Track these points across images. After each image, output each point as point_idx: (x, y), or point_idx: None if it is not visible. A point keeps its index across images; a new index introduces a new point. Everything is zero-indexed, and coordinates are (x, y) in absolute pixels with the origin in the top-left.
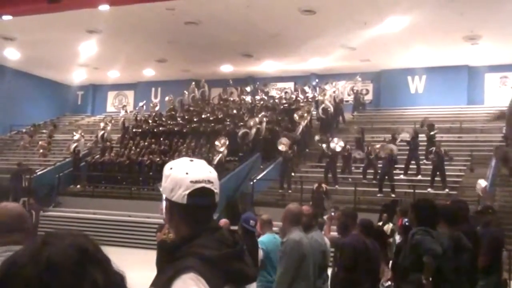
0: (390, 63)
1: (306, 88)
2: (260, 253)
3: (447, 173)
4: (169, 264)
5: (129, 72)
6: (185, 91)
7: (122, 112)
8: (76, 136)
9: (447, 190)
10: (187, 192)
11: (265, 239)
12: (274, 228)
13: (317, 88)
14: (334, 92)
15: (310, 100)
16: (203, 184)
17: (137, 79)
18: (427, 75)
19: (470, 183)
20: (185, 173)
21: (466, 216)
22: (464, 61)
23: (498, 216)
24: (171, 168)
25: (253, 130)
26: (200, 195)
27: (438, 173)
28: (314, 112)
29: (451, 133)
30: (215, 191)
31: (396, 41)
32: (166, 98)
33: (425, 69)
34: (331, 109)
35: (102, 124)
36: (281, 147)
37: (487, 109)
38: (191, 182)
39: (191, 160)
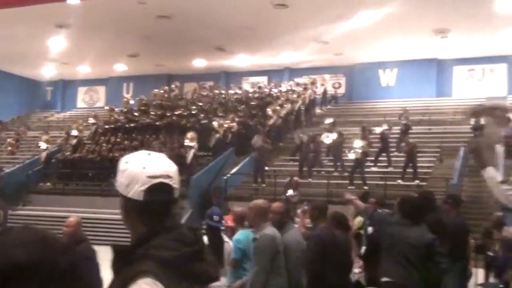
0: (362, 57)
1: (283, 85)
2: (227, 248)
3: (417, 165)
4: (124, 267)
5: (100, 67)
6: (155, 90)
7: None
8: (43, 145)
9: (417, 181)
10: (143, 188)
11: (240, 236)
12: (246, 223)
13: (291, 83)
14: (322, 85)
15: (285, 93)
16: (161, 179)
17: (108, 74)
18: (398, 68)
19: (439, 174)
20: (141, 168)
21: (433, 207)
22: (433, 54)
23: (464, 206)
24: (127, 162)
25: (221, 131)
26: (158, 191)
27: (410, 164)
28: (286, 106)
29: (421, 125)
30: (175, 186)
31: (368, 34)
32: (138, 98)
33: (396, 63)
34: (302, 105)
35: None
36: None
37: (455, 101)
38: (148, 177)
39: (149, 154)
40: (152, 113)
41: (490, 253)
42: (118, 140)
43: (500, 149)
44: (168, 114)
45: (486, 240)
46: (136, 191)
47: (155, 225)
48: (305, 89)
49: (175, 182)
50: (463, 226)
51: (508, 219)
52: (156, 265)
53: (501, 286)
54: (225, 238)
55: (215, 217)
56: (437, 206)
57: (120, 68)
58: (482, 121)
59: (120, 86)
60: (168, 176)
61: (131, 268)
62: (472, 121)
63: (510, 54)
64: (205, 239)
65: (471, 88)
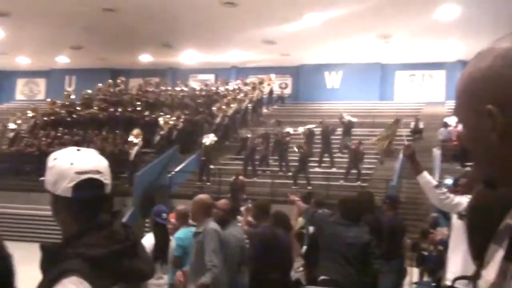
0: (308, 58)
1: (231, 84)
2: (171, 247)
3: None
4: (51, 267)
5: (41, 58)
6: (100, 84)
7: None
8: None
9: (359, 182)
10: (71, 184)
11: (182, 234)
12: (190, 221)
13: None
14: (268, 85)
15: (232, 92)
16: (90, 175)
17: (49, 66)
18: (343, 71)
19: (380, 176)
20: (69, 164)
21: (371, 207)
22: (377, 58)
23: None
24: (55, 159)
25: (166, 128)
26: (87, 187)
27: (354, 166)
28: (233, 105)
29: (364, 127)
30: (105, 182)
31: (314, 37)
32: (83, 92)
33: (341, 65)
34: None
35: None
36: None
37: (397, 104)
38: (76, 173)
39: (78, 150)
40: (95, 107)
41: (425, 253)
42: (59, 134)
43: (437, 152)
44: (112, 109)
45: (422, 240)
46: (64, 188)
47: (86, 223)
48: (253, 88)
49: (106, 178)
50: (400, 226)
51: (443, 220)
52: (84, 263)
53: (434, 284)
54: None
55: (164, 215)
56: (376, 207)
57: (62, 60)
58: (421, 125)
59: (62, 79)
60: (98, 172)
61: (58, 268)
62: (412, 124)
63: (449, 61)
64: (151, 236)
65: (411, 93)
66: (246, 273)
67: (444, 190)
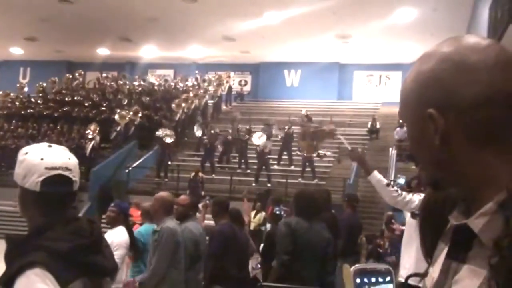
0: (268, 56)
1: (190, 80)
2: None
3: (316, 164)
4: (15, 259)
5: None
6: (55, 78)
7: None
8: None
9: (316, 180)
10: (40, 179)
11: (143, 230)
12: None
13: (199, 78)
14: (227, 82)
15: (192, 88)
16: (59, 171)
17: (2, 57)
18: (302, 69)
19: (337, 174)
20: (40, 159)
21: (328, 205)
22: (335, 58)
23: (359, 205)
24: (26, 153)
25: (123, 123)
26: (55, 183)
27: (307, 163)
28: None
29: (322, 126)
30: (74, 179)
31: (274, 35)
32: (37, 85)
33: (300, 64)
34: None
35: None
36: (165, 138)
37: (354, 104)
38: (46, 168)
39: (49, 146)
40: (50, 101)
41: (380, 250)
42: (12, 127)
43: (393, 152)
44: (68, 101)
45: (379, 237)
46: (33, 182)
47: (52, 217)
48: (219, 84)
49: (74, 175)
50: (357, 224)
51: (398, 218)
52: (48, 256)
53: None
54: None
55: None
56: (331, 205)
57: (16, 51)
58: (378, 125)
59: (16, 70)
60: (67, 169)
61: (22, 259)
62: (369, 124)
63: (405, 62)
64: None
65: (369, 93)
66: (201, 270)
67: (396, 188)
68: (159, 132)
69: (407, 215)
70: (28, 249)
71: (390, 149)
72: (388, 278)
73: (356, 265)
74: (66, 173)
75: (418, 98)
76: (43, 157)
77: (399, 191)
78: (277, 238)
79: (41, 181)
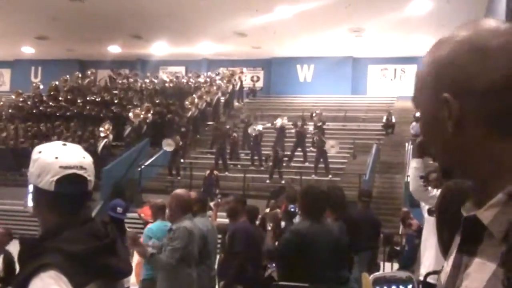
0: (280, 51)
1: (202, 76)
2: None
3: (331, 160)
4: (29, 260)
5: (5, 48)
6: (67, 76)
7: None
8: None
9: (330, 176)
10: (55, 178)
11: (154, 226)
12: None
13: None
14: (239, 78)
15: (204, 84)
16: (74, 170)
17: (14, 56)
18: (315, 64)
19: (352, 170)
20: (54, 158)
21: (341, 203)
22: (349, 52)
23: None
24: (39, 152)
25: (136, 122)
26: (70, 182)
27: (321, 160)
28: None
29: (336, 121)
30: (89, 178)
31: (286, 29)
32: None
33: (313, 59)
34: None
35: None
36: (167, 148)
37: (369, 99)
38: (61, 167)
39: (64, 144)
40: (62, 100)
41: (397, 248)
42: (25, 127)
43: (409, 147)
44: (79, 102)
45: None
46: (47, 181)
47: (67, 218)
48: (228, 81)
49: (89, 174)
50: (369, 219)
51: (415, 215)
52: (63, 258)
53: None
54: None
55: (119, 209)
56: (346, 202)
57: (28, 51)
58: (393, 119)
59: (27, 70)
60: (82, 168)
61: (36, 261)
62: (384, 119)
63: (420, 55)
64: None
65: (384, 87)
66: (213, 267)
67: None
68: (163, 144)
69: (425, 212)
70: (42, 251)
71: (406, 144)
72: (409, 287)
73: (376, 274)
74: (81, 172)
75: (433, 82)
76: (58, 156)
77: (426, 186)
78: (280, 246)
79: (55, 181)
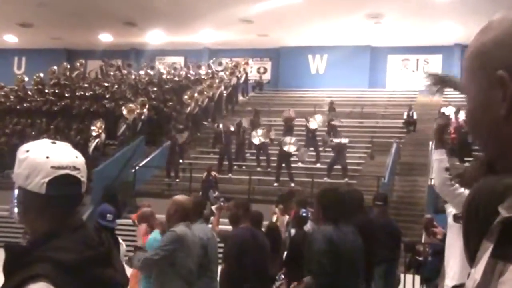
0: (290, 40)
1: (203, 68)
2: (122, 251)
3: (346, 161)
4: (17, 271)
5: None
6: (54, 67)
7: None
8: None
9: (346, 179)
10: (46, 179)
11: (153, 239)
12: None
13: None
14: (244, 69)
15: (205, 77)
16: (67, 171)
17: None
18: (328, 54)
19: (370, 172)
20: (45, 157)
21: (361, 207)
22: (366, 41)
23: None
24: (27, 151)
25: (131, 118)
26: (62, 184)
27: (337, 160)
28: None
29: (352, 118)
30: (82, 179)
31: (295, 15)
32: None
33: (326, 48)
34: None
35: None
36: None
37: (388, 92)
38: (53, 167)
39: (53, 142)
40: (48, 93)
41: (419, 258)
42: (6, 124)
43: (432, 145)
44: (67, 96)
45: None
46: (37, 183)
47: (58, 223)
48: (232, 73)
49: (83, 175)
50: (392, 227)
51: (440, 222)
52: (53, 268)
53: None
54: (120, 240)
55: (108, 216)
56: (366, 207)
57: (10, 39)
58: (415, 115)
59: (10, 60)
60: (75, 168)
61: (24, 272)
62: (405, 115)
63: (446, 45)
64: None
65: (405, 80)
66: (215, 277)
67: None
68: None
69: (450, 217)
70: (31, 260)
71: (430, 142)
72: None
73: None
74: (74, 172)
75: (485, 62)
76: (49, 155)
77: (453, 181)
78: (313, 254)
79: (47, 182)
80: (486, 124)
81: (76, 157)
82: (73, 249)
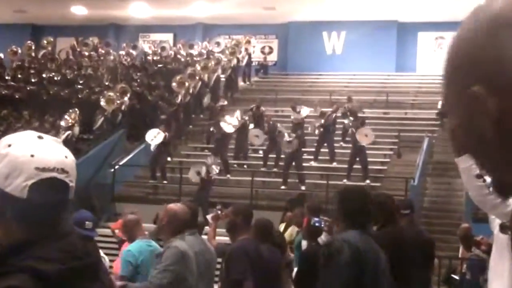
0: (300, 14)
1: (196, 47)
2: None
3: (369, 160)
4: None
5: None
6: (15, 47)
7: None
8: None
9: (368, 181)
10: (29, 182)
11: (134, 248)
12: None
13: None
14: (246, 49)
15: (199, 57)
16: (54, 174)
17: None
18: (347, 31)
19: (396, 173)
20: (29, 155)
21: (393, 215)
22: (393, 15)
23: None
24: (9, 146)
25: (110, 109)
26: (47, 189)
27: (358, 159)
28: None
29: (375, 108)
30: (71, 184)
31: None
32: None
33: (344, 24)
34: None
35: None
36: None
37: (419, 77)
38: (37, 169)
39: (40, 137)
40: (9, 78)
41: (455, 276)
42: None
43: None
44: (33, 81)
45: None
46: (18, 186)
47: (38, 230)
48: (232, 53)
49: (72, 180)
50: (424, 239)
51: (478, 231)
52: (33, 280)
53: None
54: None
55: (87, 224)
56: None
57: None
58: None
59: None
60: (63, 170)
61: None
62: (439, 105)
63: None
64: None
65: (439, 62)
66: None
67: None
68: (147, 136)
69: (496, 228)
70: (7, 270)
71: None
72: None
73: None
74: (61, 176)
75: (461, 73)
76: (34, 153)
77: (490, 189)
78: (333, 269)
79: (29, 186)
80: (482, 150)
81: (66, 156)
82: (57, 259)
